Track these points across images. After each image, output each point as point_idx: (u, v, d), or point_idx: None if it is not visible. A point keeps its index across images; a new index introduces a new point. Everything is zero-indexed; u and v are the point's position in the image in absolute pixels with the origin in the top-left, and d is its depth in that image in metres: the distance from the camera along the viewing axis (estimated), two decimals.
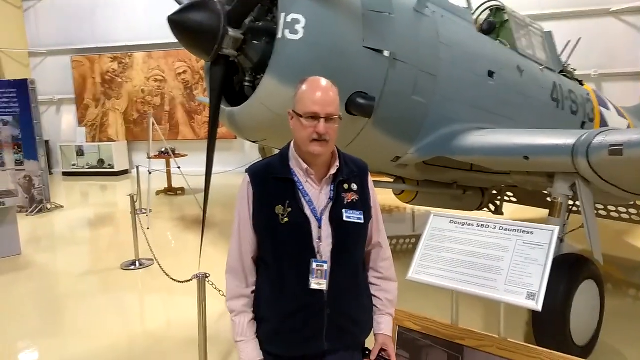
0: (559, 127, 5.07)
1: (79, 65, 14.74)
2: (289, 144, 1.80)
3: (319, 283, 1.66)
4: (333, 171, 1.74)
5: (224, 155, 12.62)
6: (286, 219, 1.66)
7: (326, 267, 1.68)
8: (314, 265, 1.67)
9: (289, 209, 1.67)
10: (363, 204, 1.78)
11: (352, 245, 1.77)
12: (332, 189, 1.74)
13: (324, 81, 1.71)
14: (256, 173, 1.76)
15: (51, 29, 14.97)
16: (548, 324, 3.17)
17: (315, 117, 1.64)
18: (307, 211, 1.69)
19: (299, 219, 1.68)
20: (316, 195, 1.72)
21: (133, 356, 3.70)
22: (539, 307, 2.04)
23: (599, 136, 3.26)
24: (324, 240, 1.69)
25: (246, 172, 1.79)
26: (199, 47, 3.25)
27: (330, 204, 1.72)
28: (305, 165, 1.71)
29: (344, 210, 1.72)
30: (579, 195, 3.47)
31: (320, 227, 1.69)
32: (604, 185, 3.51)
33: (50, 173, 12.84)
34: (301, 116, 1.66)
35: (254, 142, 4.17)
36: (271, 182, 1.72)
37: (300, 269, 1.67)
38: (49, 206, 9.16)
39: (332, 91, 1.70)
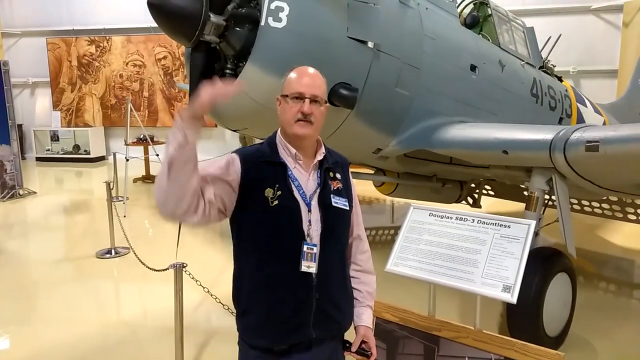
0: (538, 122, 5.15)
1: (54, 48, 14.30)
2: (275, 133, 1.82)
3: (308, 266, 1.67)
4: (320, 157, 1.78)
5: (204, 143, 12.38)
6: (276, 202, 1.67)
7: (316, 250, 1.69)
8: (305, 247, 1.68)
9: (279, 192, 1.68)
10: (346, 193, 1.83)
11: (339, 230, 1.81)
12: (319, 175, 1.77)
13: (311, 69, 1.77)
14: (247, 155, 1.74)
15: (26, 9, 14.47)
16: (521, 315, 3.24)
17: (300, 97, 1.68)
18: (297, 195, 1.71)
19: (288, 202, 1.69)
20: (304, 181, 1.75)
21: (107, 345, 3.64)
22: (514, 299, 2.08)
23: (576, 132, 3.32)
24: (313, 223, 1.71)
25: (234, 152, 1.76)
26: (180, 32, 3.18)
27: (319, 189, 1.75)
28: (294, 151, 1.73)
29: (331, 196, 1.77)
30: (555, 190, 3.53)
31: (309, 211, 1.71)
32: (579, 180, 3.58)
33: (23, 158, 12.47)
34: (287, 97, 1.70)
35: (234, 130, 4.11)
36: (261, 166, 1.72)
37: (290, 253, 1.67)
38: (21, 192, 8.93)
39: (319, 77, 1.76)
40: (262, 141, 1.84)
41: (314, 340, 1.72)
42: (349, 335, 1.88)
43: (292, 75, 1.74)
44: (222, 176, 1.67)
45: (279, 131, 1.80)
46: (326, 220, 1.73)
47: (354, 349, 1.84)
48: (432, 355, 2.37)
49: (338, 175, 1.82)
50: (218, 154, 10.15)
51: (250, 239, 1.72)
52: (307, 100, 1.67)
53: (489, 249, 2.26)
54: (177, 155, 1.49)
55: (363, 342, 1.86)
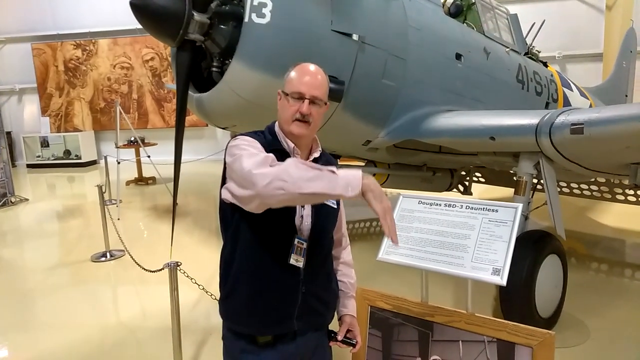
0: (525, 108, 5.20)
1: (40, 53, 14.18)
2: (273, 123, 1.82)
3: (297, 259, 1.71)
4: (317, 154, 1.81)
5: (195, 143, 12.44)
6: None
7: (305, 245, 1.73)
8: (296, 241, 1.71)
9: None
10: None
11: (328, 227, 1.86)
12: None
13: (313, 66, 1.77)
14: (262, 144, 1.71)
15: (9, 14, 14.33)
16: (514, 298, 3.29)
17: (300, 97, 1.69)
18: None
19: None
20: None
21: (107, 347, 3.66)
22: (503, 281, 2.11)
23: (561, 116, 3.37)
24: (305, 218, 1.75)
25: (241, 136, 1.74)
26: (164, 32, 3.18)
27: None
28: (292, 145, 1.75)
29: None
30: (543, 174, 3.58)
31: (302, 206, 1.75)
32: (566, 163, 3.64)
33: (14, 165, 12.41)
34: (288, 95, 1.71)
35: (223, 128, 4.13)
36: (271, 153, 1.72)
37: (281, 245, 1.70)
38: (13, 200, 8.88)
39: (321, 75, 1.76)
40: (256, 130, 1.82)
41: (298, 332, 1.75)
42: (333, 325, 1.93)
43: (294, 73, 1.74)
44: None
45: (276, 124, 1.81)
46: (317, 217, 1.77)
47: (340, 337, 1.89)
48: (426, 341, 2.40)
49: None
50: (209, 153, 10.17)
51: (244, 223, 1.72)
52: (306, 101, 1.68)
53: (478, 233, 2.29)
54: (328, 195, 1.47)
55: (348, 330, 1.91)
